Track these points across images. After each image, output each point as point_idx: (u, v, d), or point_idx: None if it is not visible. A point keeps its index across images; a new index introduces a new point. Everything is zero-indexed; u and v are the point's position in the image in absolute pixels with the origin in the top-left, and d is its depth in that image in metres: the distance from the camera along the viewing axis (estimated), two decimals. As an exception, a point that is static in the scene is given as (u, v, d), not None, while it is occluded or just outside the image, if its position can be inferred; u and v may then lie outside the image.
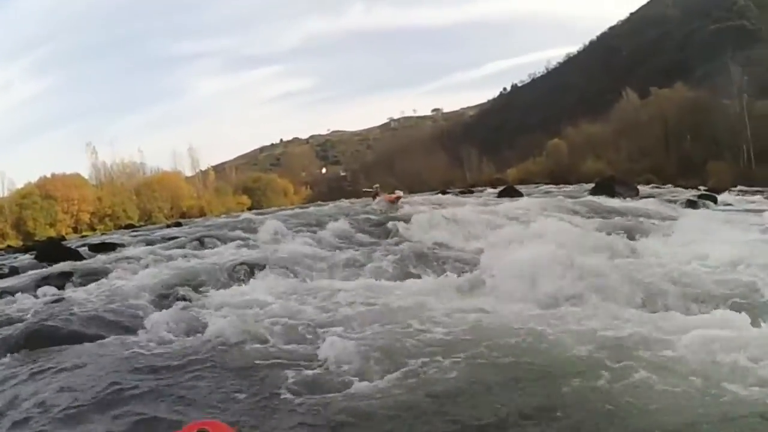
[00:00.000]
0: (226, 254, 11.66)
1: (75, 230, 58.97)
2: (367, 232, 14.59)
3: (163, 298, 8.17)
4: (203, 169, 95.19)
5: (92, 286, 9.46)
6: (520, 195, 26.26)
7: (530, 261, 7.41)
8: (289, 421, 3.96)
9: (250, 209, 69.03)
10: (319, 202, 43.38)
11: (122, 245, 16.99)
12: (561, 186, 45.28)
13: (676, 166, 54.63)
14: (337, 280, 8.73)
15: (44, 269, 12.29)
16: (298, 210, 28.33)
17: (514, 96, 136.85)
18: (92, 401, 4.43)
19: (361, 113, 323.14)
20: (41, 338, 6.28)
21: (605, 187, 24.83)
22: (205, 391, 4.52)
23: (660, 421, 3.54)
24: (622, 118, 71.21)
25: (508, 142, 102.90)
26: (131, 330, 6.53)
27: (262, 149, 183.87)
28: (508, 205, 18.33)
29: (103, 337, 6.28)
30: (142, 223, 55.67)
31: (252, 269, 9.58)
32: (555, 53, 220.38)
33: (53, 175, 65.54)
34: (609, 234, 10.58)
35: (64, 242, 25.58)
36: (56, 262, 13.38)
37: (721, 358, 4.28)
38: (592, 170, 58.11)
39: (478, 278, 7.79)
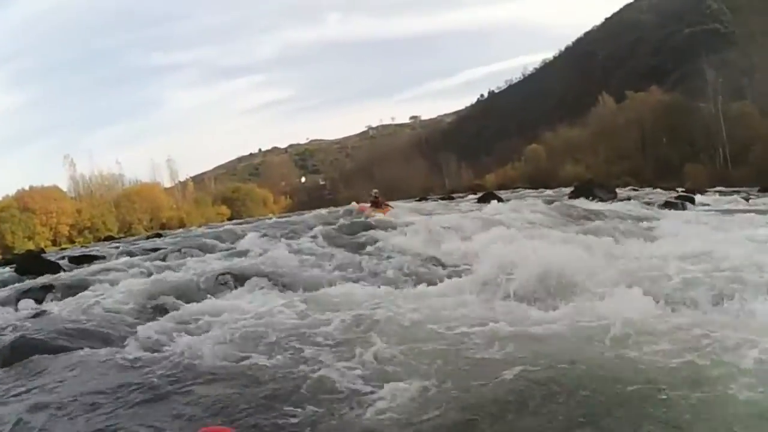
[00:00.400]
0: (210, 265, 11.53)
1: (54, 243, 58.32)
2: (349, 240, 14.56)
3: (147, 310, 8.04)
4: (182, 180, 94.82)
5: (74, 298, 9.28)
6: (501, 200, 26.36)
7: (519, 262, 7.47)
8: (290, 427, 3.95)
9: (229, 219, 68.73)
10: (299, 212, 43.25)
11: (103, 257, 16.80)
12: (540, 190, 45.59)
13: (653, 168, 55.21)
14: (324, 288, 8.68)
15: (24, 282, 12.10)
16: (278, 219, 28.27)
17: (492, 102, 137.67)
18: (77, 415, 4.34)
19: (340, 122, 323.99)
20: (23, 352, 6.12)
21: (584, 190, 24.98)
22: (194, 403, 4.45)
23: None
24: (599, 123, 71.94)
25: (487, 148, 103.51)
26: (116, 342, 6.42)
27: (240, 159, 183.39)
28: (490, 209, 18.38)
29: (86, 350, 6.13)
30: (121, 235, 55.31)
31: (237, 279, 9.48)
32: (531, 59, 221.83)
33: (31, 187, 64.85)
34: (595, 236, 10.62)
35: (43, 255, 25.29)
36: (36, 274, 13.19)
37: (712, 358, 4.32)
38: (571, 174, 58.59)
39: (472, 282, 7.79)
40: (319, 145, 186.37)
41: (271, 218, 34.04)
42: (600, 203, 20.15)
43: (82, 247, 39.00)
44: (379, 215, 19.62)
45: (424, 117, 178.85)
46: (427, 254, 10.98)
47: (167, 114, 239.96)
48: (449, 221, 15.52)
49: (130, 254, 16.23)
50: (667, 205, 21.00)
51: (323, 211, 33.82)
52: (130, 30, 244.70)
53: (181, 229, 46.71)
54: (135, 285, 9.66)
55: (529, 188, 54.17)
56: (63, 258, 17.46)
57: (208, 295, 8.55)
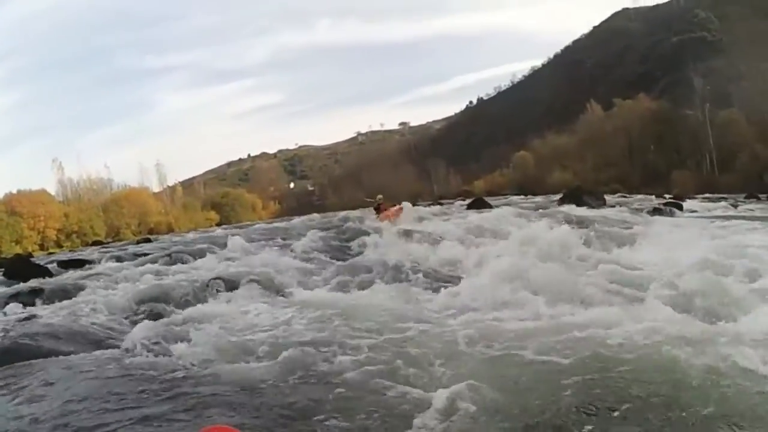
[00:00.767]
0: (200, 270, 11.50)
1: (41, 247, 57.90)
2: (339, 245, 14.55)
3: (138, 315, 8.01)
4: (171, 184, 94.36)
5: (64, 302, 9.23)
6: (490, 206, 26.39)
7: (512, 269, 7.54)
8: (287, 426, 3.96)
9: (218, 225, 68.50)
10: (289, 217, 43.14)
11: (92, 262, 16.71)
12: (528, 197, 45.71)
13: (640, 175, 55.45)
14: (314, 292, 8.69)
15: (13, 286, 12.01)
16: (267, 225, 28.22)
17: (480, 109, 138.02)
18: (67, 419, 4.31)
19: (329, 128, 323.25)
20: (12, 356, 6.05)
21: (573, 197, 25.02)
22: (188, 405, 4.43)
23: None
24: (587, 130, 72.31)
25: (475, 154, 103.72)
26: (107, 346, 6.38)
27: (229, 164, 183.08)
28: (480, 216, 18.38)
29: (77, 354, 6.08)
30: (109, 240, 54.98)
31: (227, 284, 9.45)
32: (520, 67, 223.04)
33: (19, 191, 64.33)
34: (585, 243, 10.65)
35: (32, 259, 25.11)
36: (25, 279, 13.04)
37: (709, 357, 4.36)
38: (559, 181, 58.77)
39: (465, 289, 7.82)
40: (309, 150, 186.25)
41: (262, 223, 33.93)
42: (589, 210, 20.19)
43: (70, 251, 38.67)
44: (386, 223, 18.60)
45: (414, 123, 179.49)
46: (419, 260, 10.96)
47: (157, 117, 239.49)
48: (442, 228, 15.48)
49: (120, 259, 16.15)
50: (656, 211, 21.13)
51: (316, 216, 33.83)
52: (121, 32, 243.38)
53: (170, 234, 46.51)
54: (125, 290, 9.65)
55: (517, 195, 54.25)
56: (52, 262, 17.32)
57: (199, 300, 8.53)
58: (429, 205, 37.89)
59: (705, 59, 62.00)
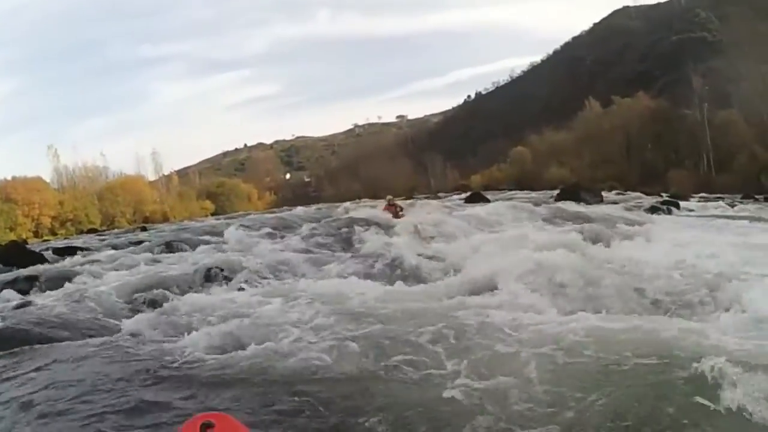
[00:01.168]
0: (197, 258, 11.45)
1: (36, 234, 57.63)
2: (336, 236, 14.51)
3: (135, 303, 7.98)
4: (166, 173, 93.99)
5: (60, 290, 9.18)
6: (487, 201, 26.43)
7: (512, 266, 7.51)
8: (287, 415, 3.93)
9: (213, 214, 68.43)
10: (288, 208, 43.05)
11: (88, 249, 16.65)
12: (526, 192, 45.75)
13: (637, 173, 55.49)
14: (313, 281, 8.64)
15: (8, 273, 11.96)
16: (263, 215, 28.18)
17: (478, 104, 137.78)
18: (65, 406, 4.27)
19: (326, 119, 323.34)
20: (8, 342, 6.03)
21: (570, 193, 25.06)
22: (185, 393, 4.41)
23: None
24: (585, 127, 72.25)
25: (472, 149, 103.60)
26: (103, 334, 6.35)
27: (225, 154, 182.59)
28: (480, 210, 18.39)
29: (74, 342, 6.06)
30: (104, 228, 54.86)
31: (225, 273, 9.45)
32: (519, 62, 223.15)
33: (14, 178, 63.97)
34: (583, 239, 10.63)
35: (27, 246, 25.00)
36: (21, 266, 12.98)
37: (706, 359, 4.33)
38: (556, 177, 58.76)
39: (462, 282, 7.80)
40: (305, 142, 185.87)
41: (257, 214, 33.85)
42: (586, 206, 20.20)
43: (65, 239, 38.56)
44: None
45: (411, 117, 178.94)
46: (418, 254, 10.93)
47: (153, 107, 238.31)
48: (440, 221, 15.44)
49: (116, 247, 16.12)
50: (653, 209, 21.17)
51: (312, 207, 33.79)
52: (118, 21, 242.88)
53: (166, 223, 46.44)
54: (122, 277, 9.61)
55: (514, 190, 54.31)
56: (47, 249, 17.27)
57: (197, 288, 8.54)
58: (426, 198, 37.93)
59: (705, 59, 61.98)
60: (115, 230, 40.27)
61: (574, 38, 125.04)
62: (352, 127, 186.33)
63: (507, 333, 5.19)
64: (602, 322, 5.27)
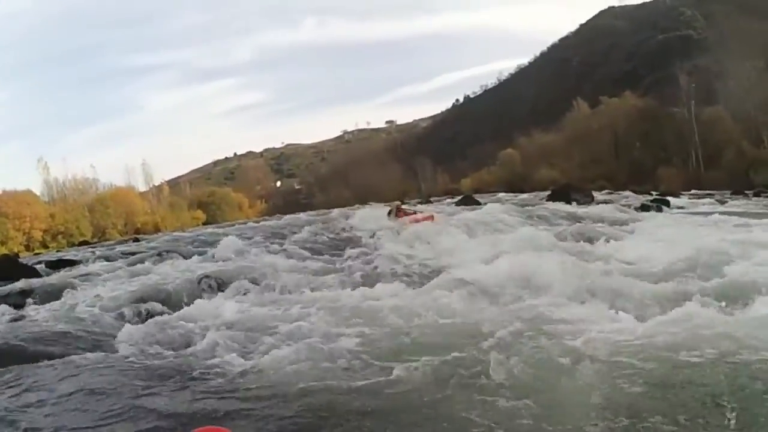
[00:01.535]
0: (191, 268, 11.47)
1: (27, 248, 57.26)
2: (330, 243, 14.52)
3: (131, 314, 7.93)
4: (157, 184, 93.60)
5: (54, 303, 9.12)
6: (479, 203, 26.50)
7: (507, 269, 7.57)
8: (286, 429, 3.94)
9: (205, 224, 68.16)
10: (277, 216, 42.88)
11: (81, 262, 16.53)
12: (516, 194, 45.83)
13: (627, 172, 55.62)
14: (306, 290, 8.64)
15: (1, 288, 11.86)
16: (255, 224, 28.14)
17: (467, 107, 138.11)
18: (63, 419, 4.29)
19: (316, 126, 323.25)
20: (4, 357, 6.02)
21: (561, 194, 25.16)
22: (183, 405, 4.41)
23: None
24: (574, 127, 72.40)
25: (462, 152, 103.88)
26: (98, 347, 6.31)
27: (215, 163, 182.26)
28: (474, 213, 18.49)
29: (71, 356, 6.02)
30: (95, 240, 54.57)
31: (219, 283, 9.43)
32: (507, 65, 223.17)
33: (4, 191, 63.54)
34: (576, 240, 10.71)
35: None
36: (13, 279, 12.88)
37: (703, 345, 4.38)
38: (546, 178, 58.88)
39: (464, 282, 7.83)
40: (295, 149, 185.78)
41: (247, 222, 33.75)
42: (578, 206, 20.28)
43: (57, 252, 38.34)
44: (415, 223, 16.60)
45: (400, 121, 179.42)
46: (408, 257, 10.97)
47: (143, 116, 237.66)
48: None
49: (109, 259, 16.01)
50: (644, 208, 21.27)
51: (302, 215, 33.72)
52: (106, 31, 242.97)
53: (157, 234, 46.23)
54: (117, 289, 9.56)
55: (505, 192, 54.39)
56: (39, 263, 17.15)
57: (192, 299, 8.47)
58: (418, 203, 37.94)
59: (690, 57, 62.33)
60: (107, 242, 40.00)
61: (561, 39, 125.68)
62: (341, 133, 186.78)
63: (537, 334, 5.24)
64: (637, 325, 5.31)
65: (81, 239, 57.30)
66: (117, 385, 4.88)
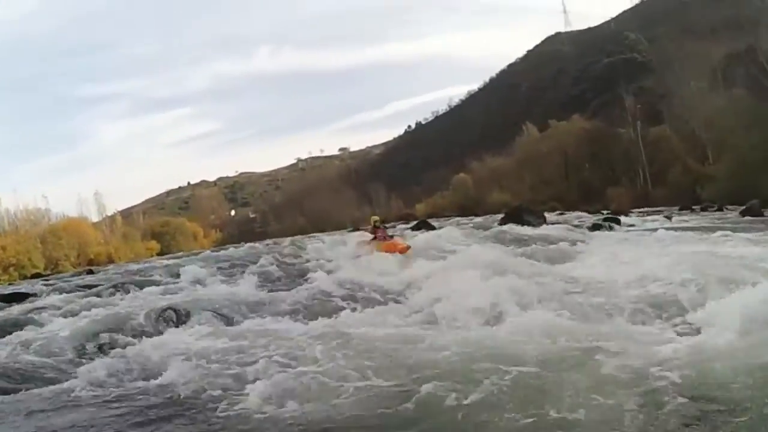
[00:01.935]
0: (148, 299, 11.34)
1: (-23, 282, 56.03)
2: (287, 273, 14.49)
3: (90, 348, 7.74)
4: (110, 214, 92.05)
5: (8, 338, 8.86)
6: (433, 228, 26.72)
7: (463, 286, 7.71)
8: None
9: (159, 254, 67.34)
10: (230, 245, 42.57)
11: (35, 295, 16.19)
12: (470, 218, 46.23)
13: (577, 193, 56.55)
14: (265, 319, 8.62)
15: (-50, 323, 11.59)
16: (210, 253, 27.95)
17: (419, 133, 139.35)
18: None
19: (269, 154, 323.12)
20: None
21: (514, 216, 25.38)
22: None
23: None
24: (524, 151, 73.45)
25: (415, 178, 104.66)
26: (56, 382, 6.15)
27: (169, 193, 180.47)
28: (427, 236, 18.64)
29: (28, 392, 5.91)
30: (48, 272, 53.43)
31: (178, 313, 9.33)
32: (457, 91, 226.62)
33: (-47, 224, 62.48)
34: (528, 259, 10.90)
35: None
36: (-36, 315, 12.64)
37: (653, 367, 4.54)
38: (498, 202, 59.53)
39: (416, 306, 7.95)
40: (249, 177, 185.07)
41: (203, 252, 33.48)
42: (531, 228, 20.52)
43: (9, 284, 37.45)
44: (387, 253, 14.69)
45: (353, 148, 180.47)
46: (365, 284, 11.03)
47: (95, 146, 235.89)
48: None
49: (64, 291, 15.69)
50: (595, 227, 21.61)
51: (258, 244, 33.56)
52: (57, 59, 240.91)
53: (111, 265, 45.50)
54: (74, 323, 9.36)
55: (458, 216, 54.82)
56: (-10, 297, 16.76)
57: (153, 331, 8.39)
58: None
59: (636, 79, 63.74)
60: (60, 274, 39.28)
61: (510, 65, 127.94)
62: (295, 161, 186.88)
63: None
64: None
65: (33, 271, 55.93)
66: (76, 422, 4.81)
